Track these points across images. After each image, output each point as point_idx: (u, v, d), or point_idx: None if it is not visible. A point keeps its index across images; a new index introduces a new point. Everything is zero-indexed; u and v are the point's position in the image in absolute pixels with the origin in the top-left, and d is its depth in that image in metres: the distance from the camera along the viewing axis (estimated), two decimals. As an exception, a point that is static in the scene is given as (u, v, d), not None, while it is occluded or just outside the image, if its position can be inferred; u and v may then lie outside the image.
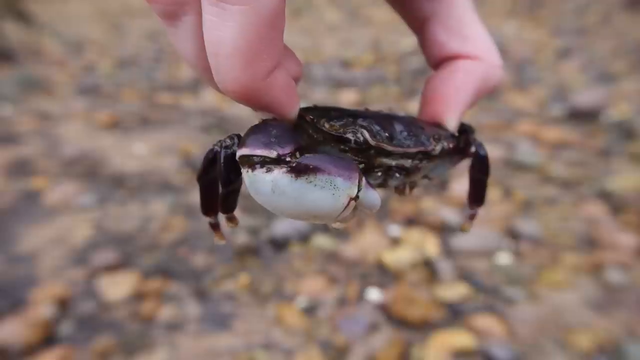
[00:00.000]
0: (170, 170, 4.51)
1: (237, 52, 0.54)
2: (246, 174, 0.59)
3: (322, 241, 3.48)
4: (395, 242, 3.48)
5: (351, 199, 0.58)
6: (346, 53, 8.10)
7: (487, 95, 0.79)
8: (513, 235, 3.51)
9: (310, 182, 0.56)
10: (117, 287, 3.09)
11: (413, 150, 0.69)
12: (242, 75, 0.56)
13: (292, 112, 0.65)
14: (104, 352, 2.68)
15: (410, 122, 0.73)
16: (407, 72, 7.08)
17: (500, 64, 0.78)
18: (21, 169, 4.52)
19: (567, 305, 2.93)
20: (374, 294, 3.05)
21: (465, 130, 0.84)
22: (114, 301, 3.01)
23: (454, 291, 3.04)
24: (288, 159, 0.58)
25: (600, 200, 3.85)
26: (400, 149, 0.68)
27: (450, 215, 3.68)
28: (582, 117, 5.25)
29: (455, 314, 2.90)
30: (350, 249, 3.41)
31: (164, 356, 2.67)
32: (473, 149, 0.81)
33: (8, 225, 3.73)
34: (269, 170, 0.57)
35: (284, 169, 0.56)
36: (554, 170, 4.30)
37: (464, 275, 3.17)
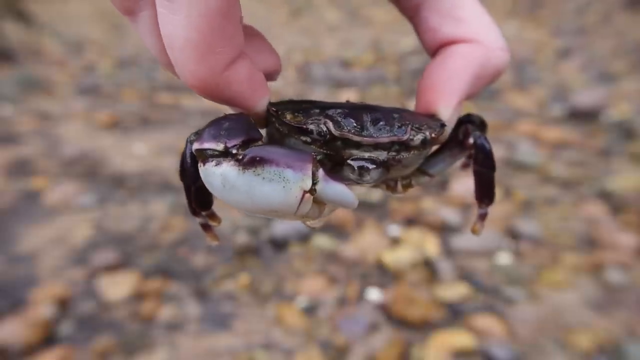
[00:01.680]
0: (170, 170, 4.51)
1: (190, 45, 0.53)
2: (200, 168, 0.58)
3: (322, 241, 3.48)
4: (395, 242, 3.48)
5: (305, 192, 0.55)
6: (346, 53, 8.10)
7: (491, 81, 0.72)
8: (513, 235, 3.51)
9: (258, 174, 0.54)
10: (117, 287, 3.08)
11: (385, 140, 0.64)
12: (198, 69, 0.55)
13: (258, 106, 0.63)
14: (104, 352, 2.68)
15: (391, 113, 0.68)
16: (407, 72, 7.08)
17: (501, 46, 0.70)
18: (21, 169, 4.52)
19: (567, 305, 2.93)
20: (374, 294, 3.05)
21: (467, 120, 0.78)
22: (114, 301, 3.01)
23: (454, 291, 3.03)
24: (234, 151, 0.56)
25: (600, 200, 3.85)
26: (369, 140, 0.63)
27: (450, 215, 3.68)
28: (582, 117, 5.25)
29: (455, 314, 2.90)
30: (350, 249, 3.41)
31: (164, 356, 2.67)
32: (471, 140, 0.74)
33: (8, 225, 3.73)
34: (218, 164, 0.56)
35: (232, 162, 0.55)
36: (554, 170, 4.30)
37: (464, 275, 3.17)
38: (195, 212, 0.76)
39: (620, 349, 2.61)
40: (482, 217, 0.79)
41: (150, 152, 4.90)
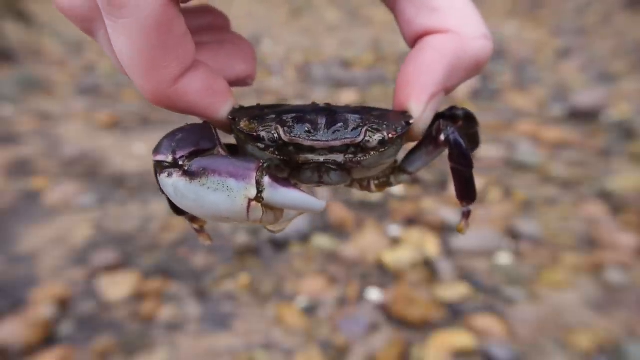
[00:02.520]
0: (170, 170, 4.50)
1: (134, 62, 0.55)
2: (157, 177, 0.61)
3: (322, 241, 3.48)
4: (395, 242, 3.48)
5: (251, 200, 0.56)
6: (346, 53, 8.10)
7: (473, 72, 0.67)
8: (513, 235, 3.51)
9: (204, 184, 0.56)
10: (117, 287, 3.08)
11: (337, 143, 0.63)
12: (146, 84, 0.57)
13: (219, 114, 0.65)
14: (104, 352, 2.68)
15: (351, 114, 0.67)
16: (407, 72, 7.06)
17: (479, 34, 0.65)
18: (21, 169, 4.52)
19: (567, 305, 2.93)
20: (374, 294, 3.05)
21: (448, 115, 0.76)
22: (114, 301, 3.00)
23: (454, 291, 3.03)
24: (181, 162, 0.59)
25: (600, 200, 3.85)
26: (320, 143, 0.63)
27: (450, 215, 3.67)
28: (582, 117, 5.25)
29: (455, 314, 2.89)
30: (350, 249, 3.41)
31: (164, 356, 2.67)
32: (442, 137, 0.70)
33: (8, 225, 3.72)
34: (169, 175, 0.59)
35: (180, 173, 0.58)
36: (554, 170, 4.30)
37: (464, 275, 3.17)
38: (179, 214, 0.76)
39: (620, 349, 2.61)
40: (466, 215, 0.76)
41: (150, 152, 4.89)
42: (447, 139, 0.69)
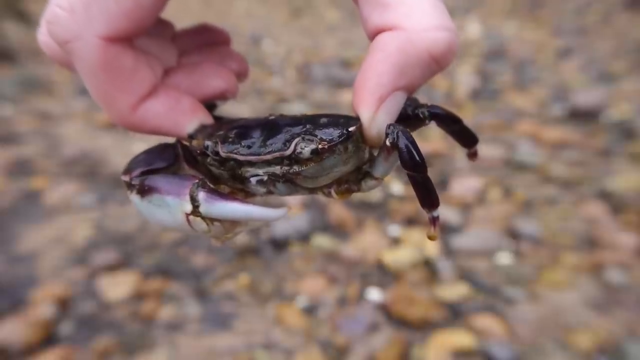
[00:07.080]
0: (170, 170, 4.50)
1: (94, 96, 0.62)
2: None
3: (322, 241, 3.48)
4: (395, 242, 3.48)
5: (187, 214, 0.60)
6: (346, 53, 8.10)
7: (432, 68, 0.59)
8: (513, 235, 3.51)
9: (150, 201, 0.63)
10: (117, 287, 3.08)
11: (268, 157, 0.64)
12: (110, 113, 0.64)
13: (183, 133, 0.69)
14: (104, 352, 2.68)
15: (292, 125, 0.66)
16: (407, 72, 7.06)
17: (431, 26, 0.57)
18: (21, 169, 4.52)
19: (567, 305, 2.93)
20: (374, 294, 3.05)
21: (411, 117, 0.71)
22: (114, 301, 3.01)
23: (454, 291, 3.04)
24: (134, 182, 0.66)
25: (600, 200, 3.85)
26: (253, 158, 0.64)
27: (450, 215, 3.68)
28: (582, 117, 5.25)
29: (455, 314, 2.90)
30: (350, 249, 3.41)
31: (164, 356, 2.67)
32: (388, 142, 0.63)
33: (8, 225, 3.72)
34: (131, 192, 0.66)
35: (135, 191, 0.65)
36: (554, 170, 4.30)
37: (464, 275, 3.17)
38: None
39: (620, 349, 2.61)
40: (432, 221, 0.68)
41: (150, 152, 4.90)
42: (393, 143, 0.63)
